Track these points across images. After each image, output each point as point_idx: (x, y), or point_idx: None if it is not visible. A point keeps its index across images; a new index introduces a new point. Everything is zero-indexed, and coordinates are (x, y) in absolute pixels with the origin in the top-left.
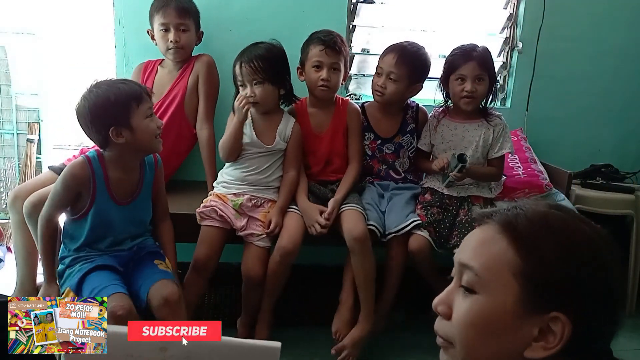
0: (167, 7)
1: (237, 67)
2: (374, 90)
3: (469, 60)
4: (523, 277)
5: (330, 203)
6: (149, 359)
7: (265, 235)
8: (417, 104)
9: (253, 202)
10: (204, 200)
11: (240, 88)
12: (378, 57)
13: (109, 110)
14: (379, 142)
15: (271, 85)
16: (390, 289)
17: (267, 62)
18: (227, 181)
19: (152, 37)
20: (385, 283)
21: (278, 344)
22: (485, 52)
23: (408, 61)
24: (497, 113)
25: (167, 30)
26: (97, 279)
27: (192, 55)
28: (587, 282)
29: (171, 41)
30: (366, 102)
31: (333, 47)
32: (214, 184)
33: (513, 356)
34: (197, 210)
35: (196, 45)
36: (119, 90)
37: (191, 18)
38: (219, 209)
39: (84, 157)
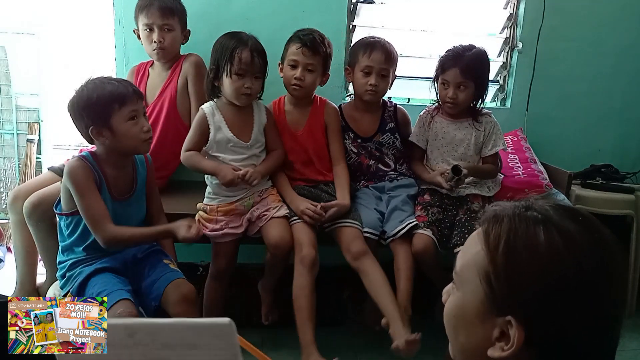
0: (150, 7)
1: (246, 55)
2: (365, 90)
3: (453, 67)
4: (487, 280)
5: (337, 204)
6: (123, 345)
7: (280, 205)
8: (395, 104)
9: (260, 194)
10: (201, 216)
11: (237, 77)
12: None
13: (90, 109)
14: (359, 140)
15: (262, 81)
16: (403, 295)
17: (264, 56)
18: (228, 192)
19: (139, 37)
20: (397, 292)
21: (226, 320)
22: (474, 58)
23: (393, 55)
24: (486, 111)
25: (151, 30)
26: (100, 283)
27: (181, 54)
28: (538, 296)
29: (155, 41)
30: (341, 104)
31: (310, 47)
32: (211, 196)
33: (480, 351)
34: (207, 233)
35: (183, 44)
36: (103, 91)
37: (176, 17)
38: (230, 227)
39: (78, 156)
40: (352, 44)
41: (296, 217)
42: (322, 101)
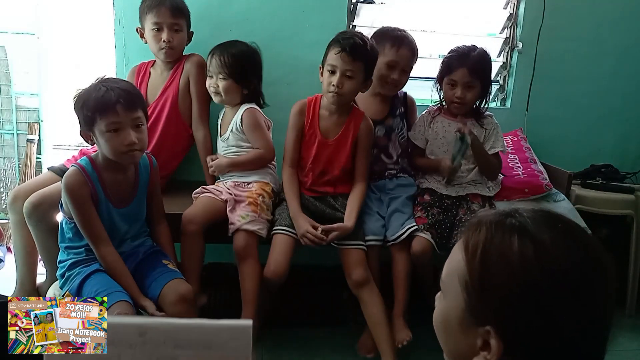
0: (161, 6)
1: (209, 58)
2: (386, 83)
3: (460, 67)
4: (467, 290)
5: (339, 227)
6: (129, 344)
7: (252, 220)
8: (405, 92)
9: (237, 185)
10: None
11: (208, 78)
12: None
13: (78, 113)
14: None
15: (235, 82)
16: (399, 302)
17: (236, 60)
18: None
19: (142, 36)
20: (394, 298)
21: (249, 322)
22: (480, 58)
23: (416, 52)
24: (489, 113)
25: (160, 29)
26: (98, 283)
27: (183, 54)
28: (514, 306)
29: (164, 41)
30: None
31: (349, 52)
32: None
33: (467, 358)
34: (193, 194)
35: (186, 45)
36: (90, 97)
37: (184, 18)
38: (213, 189)
39: (76, 166)
40: (376, 33)
41: (281, 228)
42: (360, 114)
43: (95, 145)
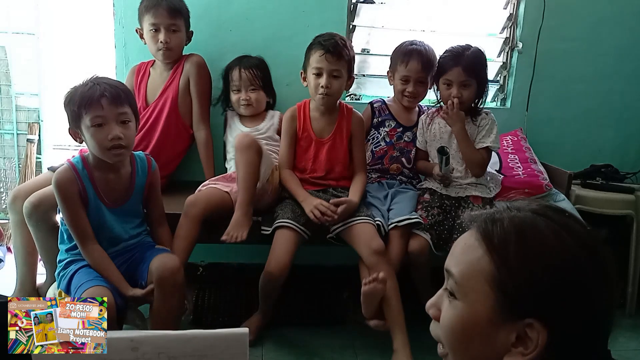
0: (158, 7)
1: (236, 73)
2: (403, 96)
3: (455, 66)
4: (497, 286)
5: (347, 200)
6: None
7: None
8: (427, 106)
9: None
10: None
11: (233, 93)
12: (389, 58)
13: (66, 109)
14: (400, 129)
15: (263, 92)
16: None
17: (262, 71)
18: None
19: (141, 36)
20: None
21: (246, 330)
22: (474, 57)
23: (431, 62)
24: (486, 110)
25: (157, 30)
26: (81, 276)
27: (183, 54)
28: (559, 290)
29: (161, 42)
30: (383, 98)
31: (333, 52)
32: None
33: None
34: (201, 186)
35: (186, 44)
36: (76, 93)
37: (182, 18)
38: (220, 182)
39: (67, 164)
40: (393, 50)
41: (283, 221)
42: (349, 109)
43: (84, 143)
